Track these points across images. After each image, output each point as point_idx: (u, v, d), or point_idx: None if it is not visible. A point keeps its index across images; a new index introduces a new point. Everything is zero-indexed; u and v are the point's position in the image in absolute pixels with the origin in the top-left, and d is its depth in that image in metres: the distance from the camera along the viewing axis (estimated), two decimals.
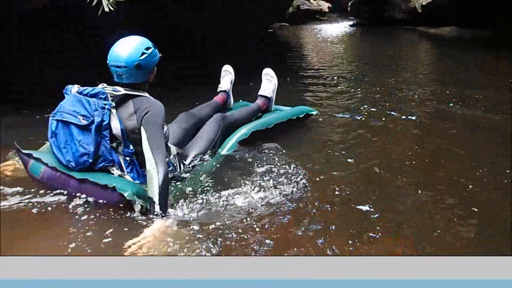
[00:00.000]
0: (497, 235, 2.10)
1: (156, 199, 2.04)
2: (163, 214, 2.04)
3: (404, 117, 4.10)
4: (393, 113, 4.23)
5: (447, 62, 8.62)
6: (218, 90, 3.51)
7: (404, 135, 3.69)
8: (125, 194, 2.08)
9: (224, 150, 2.87)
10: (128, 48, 2.29)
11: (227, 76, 3.55)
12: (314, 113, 3.69)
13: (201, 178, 2.48)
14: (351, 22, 21.64)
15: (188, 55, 7.70)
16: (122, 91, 2.29)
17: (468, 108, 4.39)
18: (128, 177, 2.30)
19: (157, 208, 2.04)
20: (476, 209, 2.31)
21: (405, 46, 11.64)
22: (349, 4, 22.09)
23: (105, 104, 2.22)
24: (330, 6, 28.76)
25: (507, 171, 2.75)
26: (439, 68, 8.06)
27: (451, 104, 4.55)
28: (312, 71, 7.20)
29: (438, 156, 3.19)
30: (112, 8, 3.60)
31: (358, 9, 20.72)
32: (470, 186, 2.56)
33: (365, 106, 4.46)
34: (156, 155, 2.11)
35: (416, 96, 5.10)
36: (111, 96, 2.27)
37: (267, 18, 13.87)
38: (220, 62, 3.71)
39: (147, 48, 2.35)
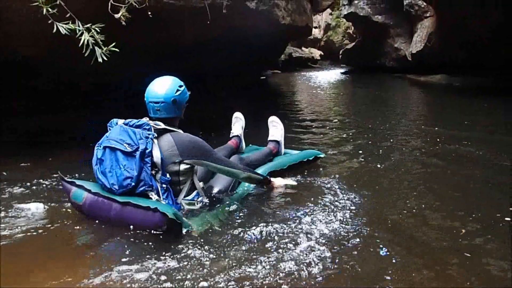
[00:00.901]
0: None
1: (247, 174, 2.78)
2: (270, 179, 2.97)
3: (399, 158, 4.24)
4: (389, 154, 4.38)
5: (436, 106, 8.82)
6: (230, 136, 3.68)
7: (400, 178, 3.63)
8: (168, 214, 2.24)
9: (243, 188, 3.10)
10: (165, 86, 2.62)
11: (238, 123, 3.75)
12: (321, 156, 3.91)
13: (228, 209, 2.73)
14: (342, 70, 22.11)
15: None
16: (162, 125, 2.58)
17: (462, 146, 4.55)
18: (164, 203, 2.45)
19: (268, 178, 2.95)
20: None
21: (396, 93, 11.81)
22: (341, 52, 22.64)
23: (149, 134, 2.49)
24: (322, 53, 29.58)
25: (498, 214, 2.65)
26: (428, 111, 8.19)
27: (440, 145, 4.72)
28: (305, 116, 7.28)
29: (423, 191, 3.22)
30: (105, 58, 3.54)
31: (349, 57, 21.23)
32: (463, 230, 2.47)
33: (361, 149, 4.55)
34: (232, 167, 2.73)
35: (410, 139, 5.27)
36: (154, 130, 2.54)
37: (259, 65, 14.11)
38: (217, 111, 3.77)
39: (180, 86, 2.68)
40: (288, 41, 15.74)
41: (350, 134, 5.53)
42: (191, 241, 2.28)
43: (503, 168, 3.76)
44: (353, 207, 2.78)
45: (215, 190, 2.95)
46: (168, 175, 2.54)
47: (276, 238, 2.31)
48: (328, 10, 29.30)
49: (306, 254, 2.12)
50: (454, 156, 4.26)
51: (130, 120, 2.56)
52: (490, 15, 9.16)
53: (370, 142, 4.94)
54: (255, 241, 2.29)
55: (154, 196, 2.45)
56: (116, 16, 3.75)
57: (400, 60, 16.63)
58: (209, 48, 8.20)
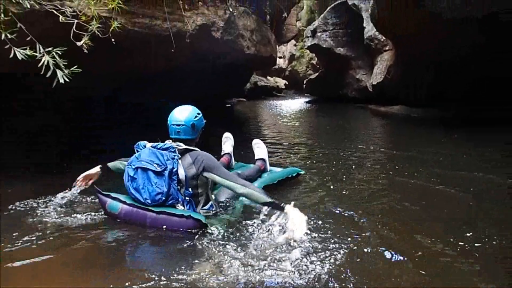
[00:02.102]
0: None
1: (269, 199, 2.79)
2: (281, 204, 2.73)
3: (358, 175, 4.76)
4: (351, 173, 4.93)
5: (393, 134, 9.19)
6: (222, 153, 4.22)
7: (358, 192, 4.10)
8: (202, 220, 2.78)
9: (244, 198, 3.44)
10: (186, 112, 3.16)
11: (228, 142, 4.33)
12: (302, 172, 4.46)
13: (236, 215, 3.21)
14: (306, 99, 22.56)
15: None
16: (183, 146, 3.03)
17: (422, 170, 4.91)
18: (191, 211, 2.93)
19: (276, 202, 2.76)
20: None
21: (357, 122, 12.15)
22: (305, 81, 23.14)
23: (174, 156, 2.93)
24: (287, 83, 30.15)
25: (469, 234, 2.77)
26: (383, 137, 8.47)
27: (398, 167, 5.16)
28: (269, 140, 7.48)
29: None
30: (67, 80, 3.51)
31: (313, 87, 21.70)
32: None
33: (326, 170, 5.05)
34: (235, 181, 2.93)
35: (369, 160, 5.81)
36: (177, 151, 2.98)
37: (225, 93, 14.23)
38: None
39: (198, 113, 3.22)
40: (253, 70, 16.00)
41: (315, 155, 5.99)
42: (213, 238, 2.75)
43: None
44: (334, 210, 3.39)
45: (222, 198, 3.42)
46: (190, 189, 2.99)
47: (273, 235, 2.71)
48: (293, 41, 30.13)
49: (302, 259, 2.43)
50: (399, 167, 5.00)
51: (157, 143, 3.04)
52: (446, 52, 9.62)
53: (334, 163, 5.43)
54: (258, 238, 2.74)
55: (180, 207, 2.93)
56: (79, 43, 3.74)
57: (362, 91, 17.11)
58: (174, 76, 8.22)
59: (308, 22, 24.25)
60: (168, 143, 3.04)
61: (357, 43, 16.78)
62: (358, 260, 2.50)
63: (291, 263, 2.37)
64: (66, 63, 3.47)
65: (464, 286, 2.24)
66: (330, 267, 2.36)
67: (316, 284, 2.19)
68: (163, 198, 2.85)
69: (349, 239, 2.78)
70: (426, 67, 10.74)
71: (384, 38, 13.68)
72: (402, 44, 11.44)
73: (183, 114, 3.13)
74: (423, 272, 2.36)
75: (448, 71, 10.13)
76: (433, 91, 11.10)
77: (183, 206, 2.95)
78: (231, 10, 7.66)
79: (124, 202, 2.96)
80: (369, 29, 14.64)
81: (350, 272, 2.32)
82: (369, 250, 2.62)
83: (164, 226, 2.83)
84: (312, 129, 10.57)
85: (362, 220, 3.21)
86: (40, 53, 3.34)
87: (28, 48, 3.36)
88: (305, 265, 2.36)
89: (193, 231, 2.80)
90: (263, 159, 4.23)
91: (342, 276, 2.28)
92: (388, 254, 2.57)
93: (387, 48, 14.07)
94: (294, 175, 4.31)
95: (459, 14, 7.80)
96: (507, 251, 2.66)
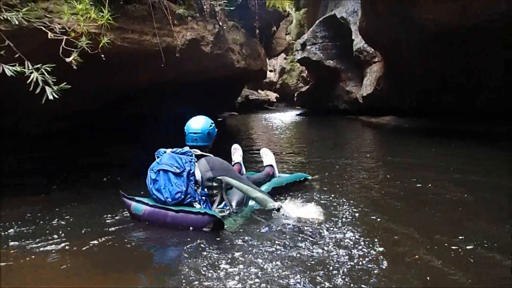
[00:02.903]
0: None
1: (275, 205, 3.43)
2: (280, 205, 3.45)
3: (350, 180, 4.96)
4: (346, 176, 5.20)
5: (385, 143, 9.22)
6: (232, 163, 4.47)
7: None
8: (217, 216, 3.11)
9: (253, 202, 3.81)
10: (201, 122, 3.59)
11: (237, 152, 4.64)
12: (309, 177, 4.79)
13: (248, 215, 3.52)
14: (298, 112, 22.63)
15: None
16: (198, 152, 3.46)
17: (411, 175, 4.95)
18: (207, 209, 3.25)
19: (276, 204, 3.44)
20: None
21: (349, 132, 12.19)
22: (296, 94, 23.25)
23: (191, 159, 3.34)
24: (278, 96, 30.30)
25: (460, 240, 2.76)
26: (378, 147, 8.49)
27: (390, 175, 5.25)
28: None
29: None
30: (56, 96, 3.52)
31: (304, 100, 21.80)
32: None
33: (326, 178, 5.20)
34: (248, 184, 3.45)
35: (363, 163, 6.01)
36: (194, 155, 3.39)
37: (216, 107, 14.25)
38: None
39: (212, 123, 3.65)
40: (244, 84, 16.07)
41: (310, 164, 6.19)
42: (228, 233, 3.09)
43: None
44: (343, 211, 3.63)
45: (234, 202, 3.61)
46: (206, 190, 3.37)
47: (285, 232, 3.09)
48: (283, 55, 30.38)
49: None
50: (393, 168, 4.96)
51: (176, 149, 3.44)
52: (433, 63, 9.74)
53: (333, 173, 5.56)
54: (269, 234, 3.08)
55: (197, 205, 3.26)
56: (68, 60, 3.75)
57: (352, 103, 17.21)
58: (165, 90, 8.24)
59: (298, 36, 24.49)
60: (186, 148, 3.45)
61: (347, 55, 16.92)
62: (364, 260, 2.60)
63: (300, 258, 2.62)
64: (55, 80, 3.48)
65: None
66: (337, 265, 2.52)
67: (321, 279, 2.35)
68: (182, 196, 3.20)
69: (359, 239, 2.96)
70: (414, 79, 10.86)
71: (372, 50, 13.83)
72: (390, 55, 11.58)
73: (199, 123, 3.56)
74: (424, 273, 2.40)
75: (436, 84, 10.25)
76: (421, 101, 11.21)
77: (200, 204, 3.30)
78: (220, 24, 7.72)
79: (146, 204, 3.30)
80: (358, 42, 14.79)
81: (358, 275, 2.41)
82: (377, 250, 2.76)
83: (184, 225, 3.15)
84: (304, 140, 10.60)
85: (364, 220, 3.43)
86: (29, 70, 3.35)
87: (17, 65, 3.37)
88: (310, 262, 2.57)
89: (209, 228, 3.11)
90: (271, 165, 4.56)
91: (348, 278, 2.37)
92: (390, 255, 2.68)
93: (376, 60, 14.20)
94: (301, 179, 4.65)
95: (445, 26, 7.92)
96: None
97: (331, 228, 3.17)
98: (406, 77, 11.18)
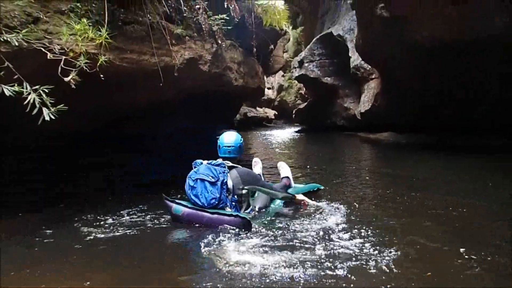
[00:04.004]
0: None
1: (284, 195, 4.16)
2: (293, 195, 4.23)
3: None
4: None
5: (383, 158, 9.26)
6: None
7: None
8: (247, 218, 3.55)
9: (274, 205, 4.34)
10: (234, 136, 4.18)
11: (257, 165, 5.06)
12: (322, 188, 5.16)
13: (270, 217, 3.98)
14: (296, 128, 22.66)
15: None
16: (230, 163, 3.99)
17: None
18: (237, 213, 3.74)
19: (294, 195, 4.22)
20: None
21: (348, 148, 12.19)
22: (294, 111, 23.34)
23: (224, 170, 3.85)
24: (276, 113, 30.41)
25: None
26: (375, 161, 8.48)
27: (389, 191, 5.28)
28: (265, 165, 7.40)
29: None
30: (53, 117, 3.53)
31: (302, 116, 21.87)
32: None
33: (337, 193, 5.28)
34: (276, 189, 4.18)
35: (365, 176, 6.29)
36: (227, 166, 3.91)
37: (215, 125, 14.27)
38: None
39: (241, 138, 4.24)
40: (242, 102, 16.14)
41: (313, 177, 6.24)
42: (256, 233, 3.47)
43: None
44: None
45: (257, 206, 4.06)
46: (236, 196, 3.87)
47: (302, 234, 3.43)
48: (281, 72, 30.58)
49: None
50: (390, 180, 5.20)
51: (211, 161, 3.94)
52: (429, 79, 9.82)
53: (339, 187, 5.70)
54: (292, 233, 3.46)
55: (228, 209, 3.75)
56: (66, 79, 3.78)
57: (350, 119, 17.26)
58: (162, 109, 8.27)
59: (295, 53, 24.72)
60: (219, 160, 3.96)
61: (344, 72, 17.04)
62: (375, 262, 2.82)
63: (315, 256, 2.95)
64: (53, 101, 3.50)
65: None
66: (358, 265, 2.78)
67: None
68: (216, 202, 3.69)
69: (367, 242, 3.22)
70: (411, 95, 10.92)
71: (370, 66, 13.91)
72: (387, 72, 11.67)
73: (232, 138, 4.15)
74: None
75: (433, 100, 10.31)
76: (419, 117, 11.25)
77: (230, 208, 3.78)
78: (219, 42, 7.79)
79: (185, 206, 3.74)
80: (355, 59, 14.91)
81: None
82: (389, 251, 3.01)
83: (218, 225, 3.58)
84: (304, 156, 10.59)
85: (372, 224, 3.71)
86: (27, 91, 3.37)
87: (16, 85, 3.39)
88: (322, 260, 2.87)
89: (239, 228, 3.51)
90: (287, 177, 4.95)
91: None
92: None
93: (373, 77, 14.27)
94: (315, 189, 5.05)
95: (440, 42, 8.01)
96: None
97: (332, 234, 3.44)
98: (404, 93, 11.25)
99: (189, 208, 3.73)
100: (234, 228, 3.53)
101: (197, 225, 3.71)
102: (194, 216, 3.69)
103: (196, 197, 3.73)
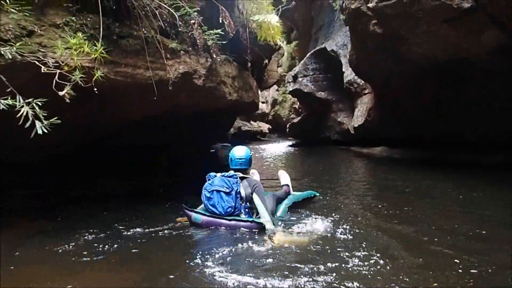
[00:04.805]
0: None
1: (268, 226, 4.05)
2: (273, 230, 4.02)
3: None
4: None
5: (375, 172, 9.25)
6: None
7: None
8: (262, 222, 4.00)
9: (279, 212, 4.75)
10: (244, 150, 4.66)
11: (255, 176, 5.10)
12: (317, 195, 5.73)
13: (279, 222, 4.39)
14: (290, 142, 22.73)
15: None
16: (240, 174, 4.45)
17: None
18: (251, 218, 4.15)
19: (269, 228, 4.04)
20: None
21: (341, 162, 12.22)
22: (288, 125, 23.40)
23: (237, 181, 4.28)
24: (270, 127, 30.46)
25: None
26: (366, 174, 8.52)
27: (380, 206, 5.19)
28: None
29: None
30: (46, 131, 3.51)
31: (296, 130, 21.94)
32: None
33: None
34: (263, 202, 4.25)
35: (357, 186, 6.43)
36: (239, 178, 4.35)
37: (208, 139, 14.25)
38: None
39: (250, 151, 4.67)
40: (236, 116, 16.15)
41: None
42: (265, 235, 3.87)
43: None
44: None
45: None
46: (248, 204, 4.28)
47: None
48: (275, 87, 30.70)
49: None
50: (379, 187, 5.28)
51: (224, 173, 4.37)
52: (423, 94, 9.90)
53: (329, 197, 6.05)
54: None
55: (243, 216, 4.17)
56: (61, 93, 3.76)
57: (344, 133, 17.34)
58: (156, 123, 8.25)
59: (289, 68, 24.89)
60: (231, 172, 4.41)
61: (337, 87, 17.17)
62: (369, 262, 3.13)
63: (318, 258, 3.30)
64: (45, 114, 3.48)
65: None
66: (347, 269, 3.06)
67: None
68: (232, 210, 4.11)
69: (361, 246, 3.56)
70: (404, 109, 11.00)
71: (363, 82, 14.04)
72: (380, 87, 11.76)
73: (243, 151, 4.62)
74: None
75: (425, 114, 10.38)
76: (412, 132, 11.32)
77: (245, 215, 4.19)
78: (214, 56, 7.81)
79: (204, 215, 4.15)
80: (348, 74, 15.04)
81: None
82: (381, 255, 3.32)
83: (237, 229, 3.98)
84: (298, 169, 10.61)
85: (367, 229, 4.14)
86: (19, 104, 3.35)
87: (9, 98, 3.37)
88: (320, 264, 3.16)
89: (255, 230, 3.95)
90: (287, 185, 5.47)
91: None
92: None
93: (366, 92, 14.39)
94: (312, 196, 5.57)
95: (434, 60, 8.10)
96: None
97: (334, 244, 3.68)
98: (397, 108, 11.33)
99: (208, 216, 4.12)
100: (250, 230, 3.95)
101: (212, 237, 3.96)
102: (213, 224, 4.08)
103: (213, 206, 4.13)
